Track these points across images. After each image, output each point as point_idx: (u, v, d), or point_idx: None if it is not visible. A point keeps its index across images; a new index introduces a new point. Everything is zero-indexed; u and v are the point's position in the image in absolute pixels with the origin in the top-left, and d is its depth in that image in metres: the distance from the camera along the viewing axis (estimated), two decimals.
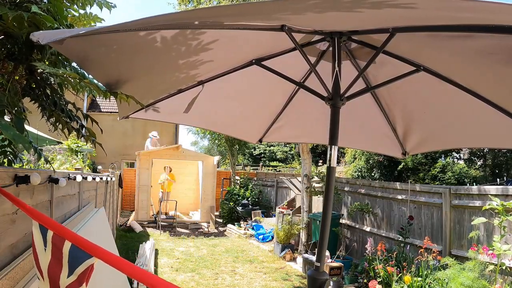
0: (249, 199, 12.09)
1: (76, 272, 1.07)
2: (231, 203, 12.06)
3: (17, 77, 1.72)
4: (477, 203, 4.65)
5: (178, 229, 10.63)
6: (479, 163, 12.41)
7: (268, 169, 23.56)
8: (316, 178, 8.17)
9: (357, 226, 7.02)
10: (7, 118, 1.66)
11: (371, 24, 1.51)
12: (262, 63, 1.97)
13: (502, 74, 1.59)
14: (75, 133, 2.13)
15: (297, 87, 2.45)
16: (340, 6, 1.13)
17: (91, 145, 2.19)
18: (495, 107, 1.83)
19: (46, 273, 1.16)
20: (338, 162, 19.08)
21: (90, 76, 1.77)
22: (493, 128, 2.17)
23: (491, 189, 4.55)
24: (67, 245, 1.09)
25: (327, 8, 1.16)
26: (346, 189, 7.51)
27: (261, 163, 26.20)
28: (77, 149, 6.43)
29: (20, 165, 2.63)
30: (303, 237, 7.80)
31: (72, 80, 1.84)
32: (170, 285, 0.87)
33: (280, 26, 1.50)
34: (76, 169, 4.74)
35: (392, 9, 1.10)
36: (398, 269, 4.76)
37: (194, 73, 1.93)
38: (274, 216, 9.86)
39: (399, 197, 6.07)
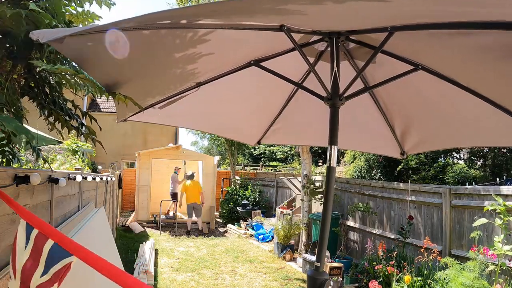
0: (249, 199, 12.08)
1: (50, 272, 1.07)
2: (231, 203, 12.05)
3: (16, 76, 1.72)
4: (477, 203, 4.65)
5: (178, 229, 10.63)
6: (479, 163, 12.38)
7: (268, 169, 23.53)
8: (316, 178, 8.17)
9: (357, 226, 7.02)
10: None
11: (369, 23, 1.50)
12: (261, 64, 1.97)
13: (501, 72, 1.58)
14: (75, 131, 2.13)
15: (296, 88, 2.44)
16: None
17: (91, 144, 2.19)
18: (494, 105, 1.82)
19: (20, 272, 1.15)
20: (338, 162, 19.05)
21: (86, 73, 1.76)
22: (492, 127, 2.16)
23: (491, 189, 4.54)
24: (48, 244, 1.08)
25: None
26: (346, 189, 7.50)
27: (261, 163, 26.18)
28: (77, 149, 6.43)
29: (19, 165, 2.63)
30: (303, 237, 7.80)
31: (69, 77, 1.84)
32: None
33: (279, 26, 1.50)
34: (76, 169, 4.74)
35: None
36: (398, 269, 4.75)
37: (191, 67, 1.90)
38: (274, 216, 9.86)
39: (399, 197, 6.06)
